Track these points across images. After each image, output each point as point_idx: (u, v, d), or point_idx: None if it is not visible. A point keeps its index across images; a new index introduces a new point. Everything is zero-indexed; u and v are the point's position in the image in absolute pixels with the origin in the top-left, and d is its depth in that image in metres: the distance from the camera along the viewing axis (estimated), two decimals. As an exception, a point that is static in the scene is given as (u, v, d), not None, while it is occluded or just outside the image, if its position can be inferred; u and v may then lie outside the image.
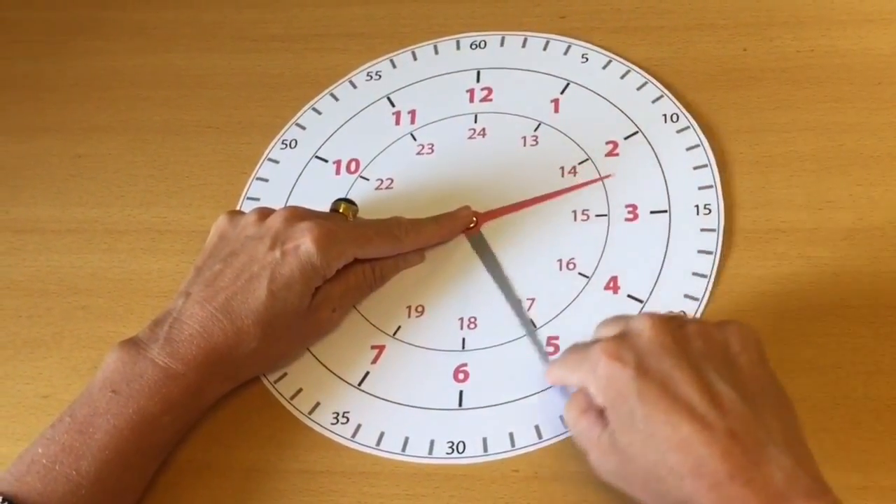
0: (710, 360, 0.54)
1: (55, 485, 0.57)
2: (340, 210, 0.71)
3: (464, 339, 0.67)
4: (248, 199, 0.77)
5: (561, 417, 0.62)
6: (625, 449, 0.54)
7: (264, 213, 0.67)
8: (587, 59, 0.80)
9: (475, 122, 0.78)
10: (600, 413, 0.56)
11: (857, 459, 0.59)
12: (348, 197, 0.73)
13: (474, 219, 0.72)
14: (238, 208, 0.76)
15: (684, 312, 0.65)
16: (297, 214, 0.66)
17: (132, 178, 0.80)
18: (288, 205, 0.69)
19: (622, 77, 0.78)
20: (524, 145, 0.76)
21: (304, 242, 0.64)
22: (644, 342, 0.55)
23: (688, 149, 0.73)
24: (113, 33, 0.90)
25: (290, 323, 0.65)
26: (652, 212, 0.70)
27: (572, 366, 0.59)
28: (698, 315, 0.65)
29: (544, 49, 0.81)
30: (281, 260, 0.64)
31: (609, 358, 0.55)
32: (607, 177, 0.73)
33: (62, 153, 0.82)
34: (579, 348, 0.59)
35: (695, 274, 0.67)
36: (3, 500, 0.56)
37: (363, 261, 0.68)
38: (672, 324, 0.56)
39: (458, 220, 0.72)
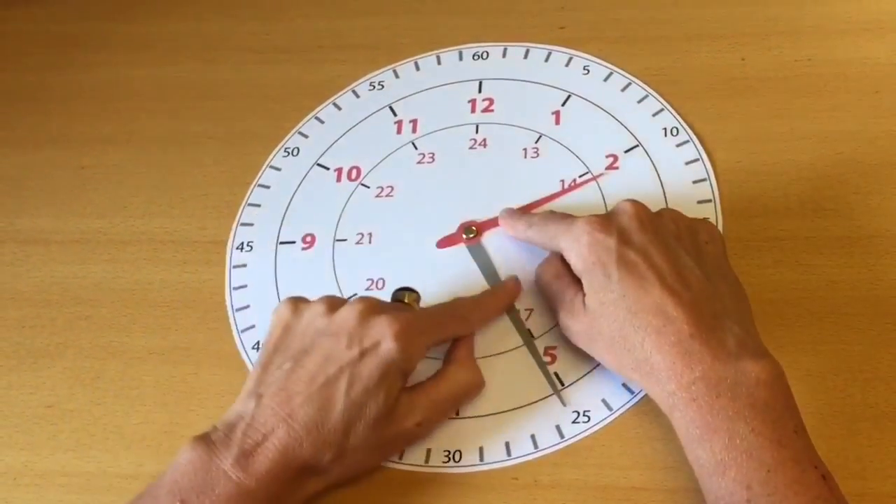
0: (681, 242, 0.62)
1: None
2: (405, 301, 0.67)
3: (461, 349, 0.68)
4: (249, 205, 0.77)
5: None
6: (595, 310, 0.60)
7: (334, 304, 0.63)
8: (588, 71, 0.80)
9: (476, 132, 0.78)
10: (573, 278, 0.63)
11: (854, 467, 0.59)
12: (409, 286, 0.69)
13: (474, 231, 0.72)
14: (238, 215, 0.76)
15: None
16: (372, 308, 0.62)
17: (135, 189, 0.80)
18: (359, 297, 0.64)
19: (623, 90, 0.78)
20: (525, 157, 0.76)
21: (385, 339, 0.60)
22: (626, 220, 0.62)
23: (687, 163, 0.73)
24: (117, 45, 0.91)
25: (369, 433, 0.60)
26: (651, 225, 0.70)
27: (552, 234, 0.65)
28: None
29: (546, 60, 0.81)
30: (359, 360, 0.60)
31: (594, 229, 0.61)
32: (600, 176, 0.73)
33: (66, 164, 0.83)
34: (558, 219, 0.65)
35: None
36: None
37: (452, 365, 0.65)
38: (650, 211, 0.63)
39: (511, 291, 0.69)
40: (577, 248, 0.61)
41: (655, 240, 0.60)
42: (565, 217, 0.65)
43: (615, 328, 0.59)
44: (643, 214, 0.62)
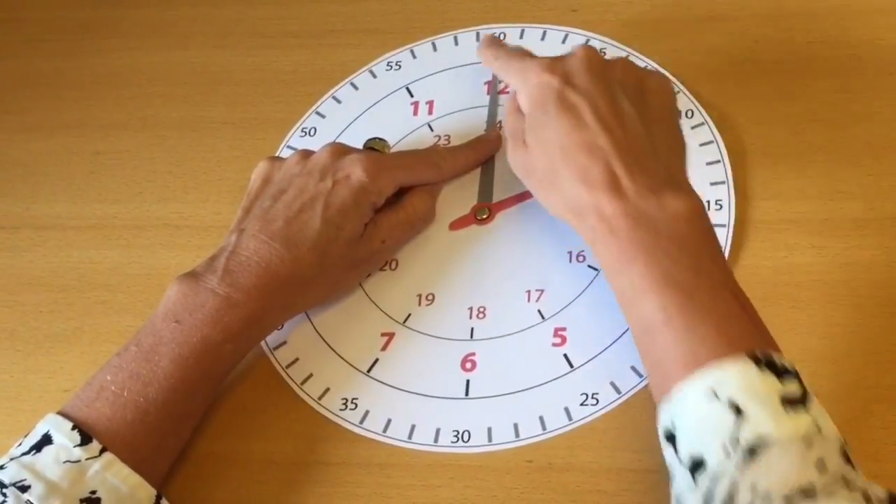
0: (626, 88, 0.63)
1: (124, 411, 0.59)
2: (375, 147, 0.75)
3: (472, 329, 0.68)
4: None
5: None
6: (533, 146, 0.63)
7: (307, 153, 0.70)
8: (605, 53, 0.79)
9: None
10: (523, 114, 0.65)
11: (869, 448, 0.59)
12: (380, 136, 0.77)
13: (487, 212, 0.72)
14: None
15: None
16: (343, 149, 0.70)
17: (150, 175, 0.81)
18: (330, 142, 0.71)
19: (639, 72, 0.78)
20: (539, 138, 0.76)
21: (356, 171, 0.67)
22: (575, 62, 0.63)
23: (701, 144, 0.72)
24: (130, 31, 0.91)
25: (343, 251, 0.66)
26: (664, 206, 0.70)
27: (510, 71, 0.68)
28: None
29: (563, 42, 0.81)
30: (333, 189, 0.66)
31: (541, 69, 0.64)
32: None
33: (81, 150, 0.83)
34: (518, 58, 0.68)
35: (704, 268, 0.67)
36: (73, 427, 0.58)
37: (410, 195, 0.71)
38: (603, 58, 0.65)
39: (490, 143, 0.76)
40: (526, 87, 0.64)
41: (600, 83, 0.62)
42: (524, 56, 0.68)
43: (547, 164, 0.61)
44: (594, 59, 0.64)
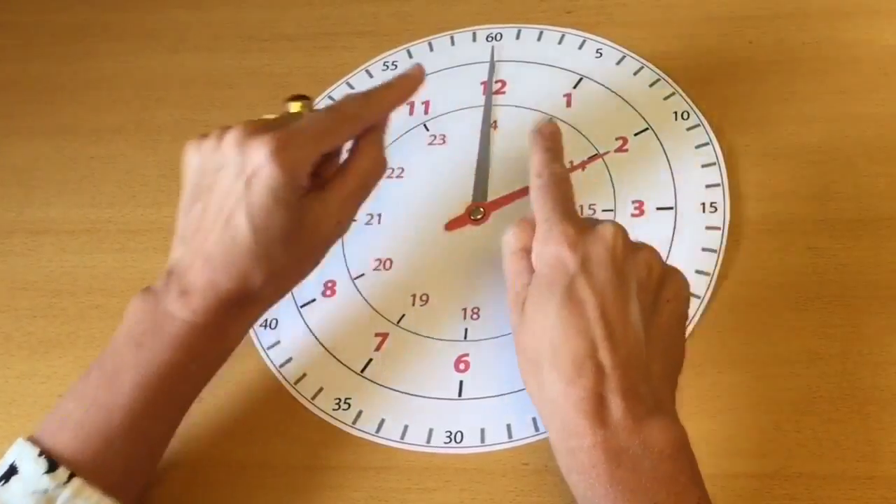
0: (643, 289, 0.55)
1: (89, 440, 0.57)
2: (292, 111, 0.67)
3: (466, 330, 0.68)
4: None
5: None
6: (528, 317, 0.56)
7: (221, 135, 0.62)
8: (601, 54, 0.80)
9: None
10: (531, 265, 0.58)
11: (864, 450, 0.59)
12: (302, 93, 0.69)
13: (482, 212, 0.72)
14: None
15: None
16: (247, 132, 0.61)
17: (144, 179, 0.80)
18: (242, 122, 0.63)
19: (635, 73, 0.78)
20: (536, 139, 0.76)
21: (264, 164, 0.59)
22: (600, 247, 0.55)
23: (697, 147, 0.73)
24: (124, 35, 0.91)
25: (284, 248, 0.61)
26: (658, 208, 0.70)
27: (542, 212, 0.59)
28: (700, 312, 0.65)
29: (559, 43, 0.81)
30: (247, 190, 0.60)
31: (563, 240, 0.56)
32: (605, 154, 0.74)
33: (75, 154, 0.83)
34: (555, 203, 0.59)
35: (698, 272, 0.67)
36: (40, 453, 0.56)
37: (352, 156, 0.65)
38: (630, 245, 0.57)
39: (412, 79, 0.69)
40: (543, 250, 0.57)
41: (618, 283, 0.55)
42: (561, 207, 0.59)
43: (533, 350, 0.55)
44: (619, 247, 0.56)
